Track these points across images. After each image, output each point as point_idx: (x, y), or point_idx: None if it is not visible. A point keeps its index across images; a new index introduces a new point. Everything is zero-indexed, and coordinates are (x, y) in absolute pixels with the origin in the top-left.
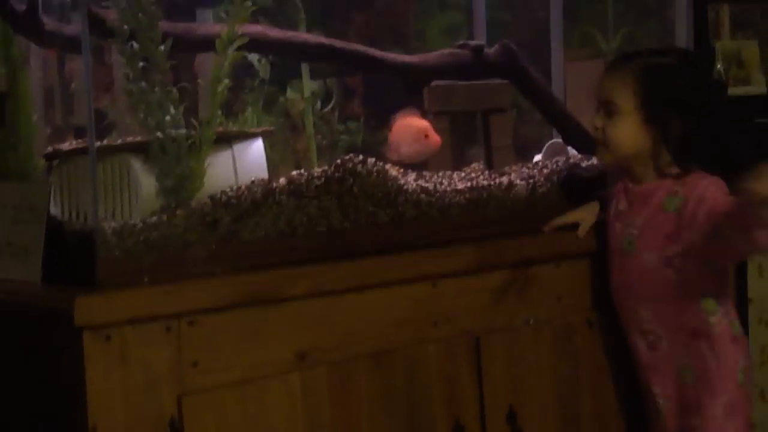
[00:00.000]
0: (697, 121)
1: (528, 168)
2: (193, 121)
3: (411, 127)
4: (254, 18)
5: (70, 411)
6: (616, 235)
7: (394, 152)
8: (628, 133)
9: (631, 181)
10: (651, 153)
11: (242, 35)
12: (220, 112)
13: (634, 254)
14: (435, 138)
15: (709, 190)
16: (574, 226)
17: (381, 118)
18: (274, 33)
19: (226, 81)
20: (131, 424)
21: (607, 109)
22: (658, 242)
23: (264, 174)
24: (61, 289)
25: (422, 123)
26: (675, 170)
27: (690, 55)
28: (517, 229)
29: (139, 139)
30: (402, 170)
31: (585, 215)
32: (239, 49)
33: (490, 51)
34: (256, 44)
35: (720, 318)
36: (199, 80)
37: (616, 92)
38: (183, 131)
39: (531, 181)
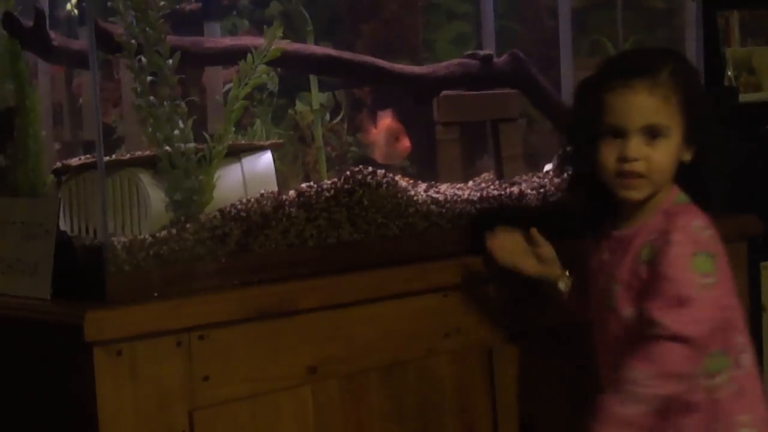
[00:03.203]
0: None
1: (539, 177)
2: (205, 134)
3: (384, 130)
4: (259, 31)
5: (81, 427)
6: (598, 288)
7: (371, 152)
8: (674, 158)
9: (613, 225)
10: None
11: (274, 49)
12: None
13: (616, 309)
14: (405, 143)
15: (673, 244)
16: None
17: None
18: (283, 45)
19: (244, 102)
20: None
21: (651, 133)
22: (635, 297)
23: (273, 187)
24: (71, 305)
25: (395, 126)
26: (669, 203)
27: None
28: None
29: (147, 153)
30: (412, 181)
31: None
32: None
33: (499, 61)
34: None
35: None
36: (216, 96)
37: (658, 111)
38: (192, 145)
39: (542, 190)
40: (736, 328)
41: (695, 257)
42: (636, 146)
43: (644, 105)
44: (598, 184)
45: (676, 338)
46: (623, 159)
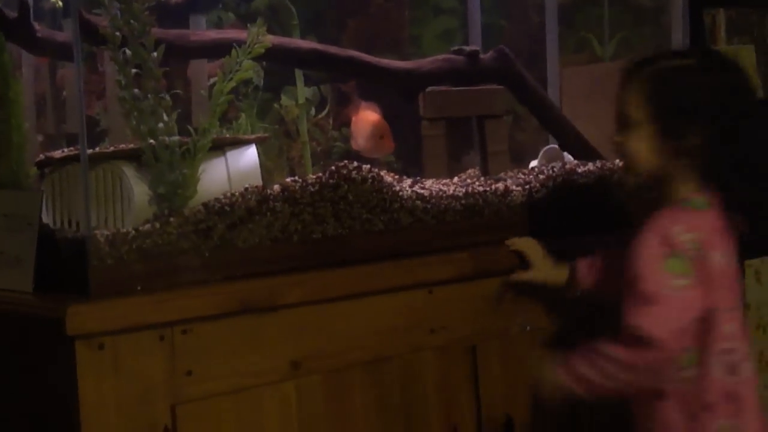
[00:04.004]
0: (719, 131)
1: (524, 174)
2: (189, 127)
3: (370, 124)
4: (245, 24)
5: (63, 420)
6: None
7: (354, 142)
8: (644, 147)
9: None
10: (676, 174)
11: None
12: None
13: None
14: (389, 143)
15: (645, 245)
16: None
17: None
18: (269, 39)
19: (229, 96)
20: None
21: (621, 121)
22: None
23: (258, 181)
24: (53, 298)
25: (382, 124)
26: (676, 204)
27: (713, 55)
28: (513, 235)
29: (131, 146)
30: (397, 176)
31: (539, 260)
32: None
33: (486, 56)
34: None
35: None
36: (201, 91)
37: (628, 102)
38: (176, 138)
39: (527, 187)
40: (722, 333)
41: (668, 259)
42: (617, 133)
43: (619, 95)
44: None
45: (642, 338)
46: None
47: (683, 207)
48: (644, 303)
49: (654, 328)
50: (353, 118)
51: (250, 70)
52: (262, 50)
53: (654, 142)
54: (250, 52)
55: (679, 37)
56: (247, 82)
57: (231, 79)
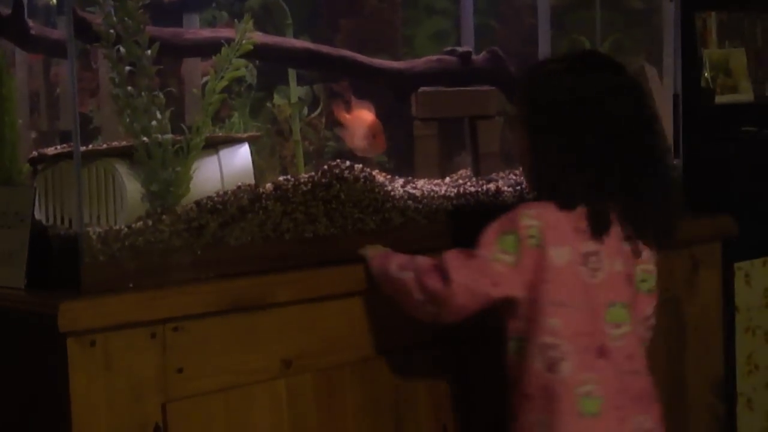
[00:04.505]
0: (566, 137)
1: (515, 175)
2: (182, 126)
3: (364, 123)
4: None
5: (54, 417)
6: None
7: (349, 139)
8: (519, 146)
9: None
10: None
11: (246, 42)
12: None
13: None
14: (382, 142)
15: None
16: None
17: None
18: (262, 38)
19: (222, 95)
20: (115, 430)
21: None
22: None
23: (250, 179)
24: (45, 295)
25: (375, 123)
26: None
27: (589, 59)
28: None
29: (124, 143)
30: (389, 176)
31: None
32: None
33: (478, 58)
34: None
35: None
36: (194, 90)
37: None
38: (169, 136)
39: (518, 188)
40: (545, 326)
41: (505, 235)
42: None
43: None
44: None
45: (444, 272)
46: None
47: (546, 199)
48: (466, 255)
49: (455, 273)
50: (347, 117)
51: (241, 68)
52: (251, 47)
53: (525, 143)
54: (238, 49)
55: (670, 39)
56: (240, 81)
57: (222, 77)
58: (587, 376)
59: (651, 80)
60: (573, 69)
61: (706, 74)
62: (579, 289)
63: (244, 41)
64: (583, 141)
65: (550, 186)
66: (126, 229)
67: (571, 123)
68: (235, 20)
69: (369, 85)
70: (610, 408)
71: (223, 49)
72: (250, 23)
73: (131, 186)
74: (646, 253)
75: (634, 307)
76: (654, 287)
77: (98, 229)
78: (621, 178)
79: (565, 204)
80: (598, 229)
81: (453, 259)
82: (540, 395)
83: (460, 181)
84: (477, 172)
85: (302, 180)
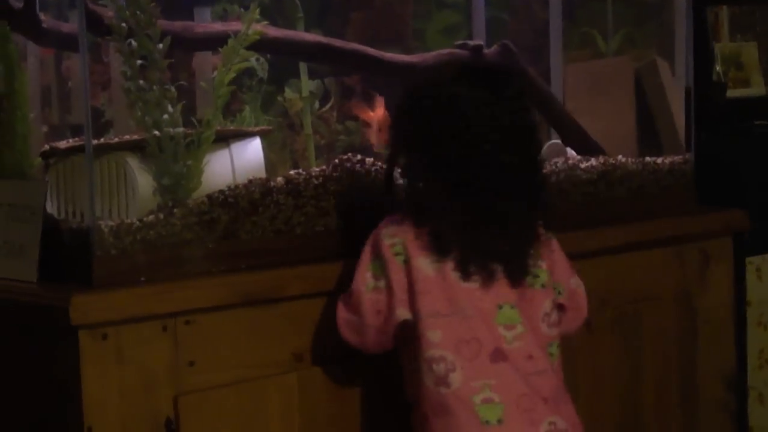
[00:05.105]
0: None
1: None
2: (193, 119)
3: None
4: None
5: (65, 411)
6: None
7: (374, 137)
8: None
9: None
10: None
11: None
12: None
13: None
14: None
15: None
16: None
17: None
18: (273, 32)
19: (230, 87)
20: (127, 424)
21: None
22: None
23: (262, 173)
24: (57, 288)
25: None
26: None
27: (458, 77)
28: None
29: (136, 137)
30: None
31: None
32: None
33: (489, 51)
34: (254, 43)
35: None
36: (202, 83)
37: None
38: (181, 130)
39: None
40: (427, 340)
41: (373, 261)
42: None
43: None
44: None
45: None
46: None
47: (408, 213)
48: (345, 304)
49: (339, 314)
50: (371, 114)
51: (248, 59)
52: (257, 37)
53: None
54: (245, 40)
55: (682, 33)
56: (251, 75)
57: (230, 69)
58: (482, 383)
59: (662, 74)
60: (436, 87)
61: (717, 68)
62: (457, 296)
63: (250, 32)
64: (440, 156)
65: (410, 200)
66: (138, 222)
67: (431, 139)
68: (239, 9)
69: (380, 78)
70: (516, 412)
71: (230, 40)
72: (256, 12)
73: (143, 179)
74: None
75: (527, 306)
76: (548, 282)
77: (110, 223)
78: (479, 190)
79: (420, 221)
80: (442, 248)
81: (339, 311)
82: (437, 413)
83: None
84: None
85: (314, 174)
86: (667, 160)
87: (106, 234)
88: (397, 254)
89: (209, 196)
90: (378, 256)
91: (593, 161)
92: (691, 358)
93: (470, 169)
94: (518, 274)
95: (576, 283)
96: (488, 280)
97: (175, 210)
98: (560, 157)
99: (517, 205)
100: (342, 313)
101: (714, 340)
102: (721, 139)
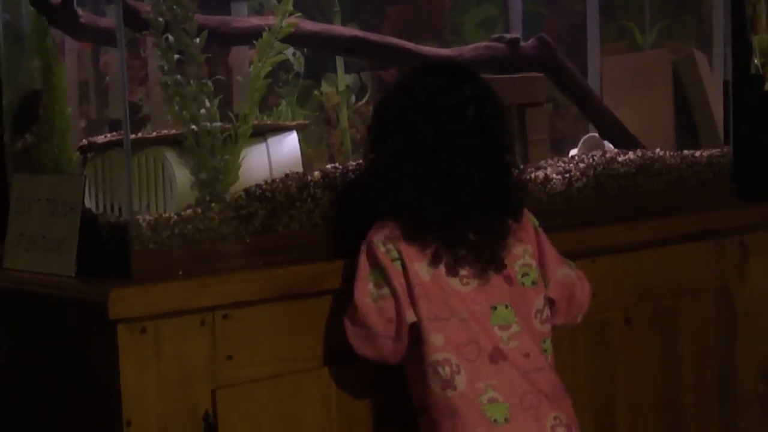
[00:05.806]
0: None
1: (564, 162)
2: (230, 114)
3: None
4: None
5: (105, 404)
6: None
7: None
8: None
9: None
10: None
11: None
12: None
13: None
14: None
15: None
16: None
17: None
18: (309, 26)
19: (267, 81)
20: (165, 417)
21: None
22: None
23: (298, 167)
24: (95, 282)
25: None
26: None
27: (428, 76)
28: (553, 224)
29: (173, 132)
30: None
31: None
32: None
33: (526, 44)
34: (291, 37)
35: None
36: (239, 77)
37: None
38: (218, 124)
39: (567, 175)
40: (430, 344)
41: (372, 270)
42: None
43: None
44: None
45: (347, 337)
46: None
47: (392, 218)
48: (351, 318)
49: (348, 329)
50: None
51: (285, 52)
52: (291, 29)
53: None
54: (279, 32)
55: (720, 26)
56: (287, 69)
57: (265, 62)
58: (484, 384)
59: (700, 67)
60: (412, 85)
61: (755, 61)
62: (453, 299)
63: (284, 24)
64: (404, 148)
65: (392, 205)
66: (175, 216)
67: (394, 132)
68: (278, 5)
69: None
70: (521, 410)
71: (264, 33)
72: (290, 3)
73: (180, 174)
74: (519, 249)
75: (521, 305)
76: (537, 279)
77: (148, 217)
78: (444, 179)
79: (398, 215)
80: (420, 236)
81: (347, 329)
82: (446, 416)
83: None
84: (525, 160)
85: (350, 168)
86: (705, 153)
87: (144, 228)
88: (394, 260)
89: (246, 191)
90: (376, 265)
91: (631, 154)
92: (730, 353)
93: (434, 159)
94: (490, 263)
95: (564, 274)
96: (478, 277)
97: (213, 204)
98: (598, 150)
99: (481, 193)
100: (350, 329)
101: (752, 334)
102: (759, 131)
